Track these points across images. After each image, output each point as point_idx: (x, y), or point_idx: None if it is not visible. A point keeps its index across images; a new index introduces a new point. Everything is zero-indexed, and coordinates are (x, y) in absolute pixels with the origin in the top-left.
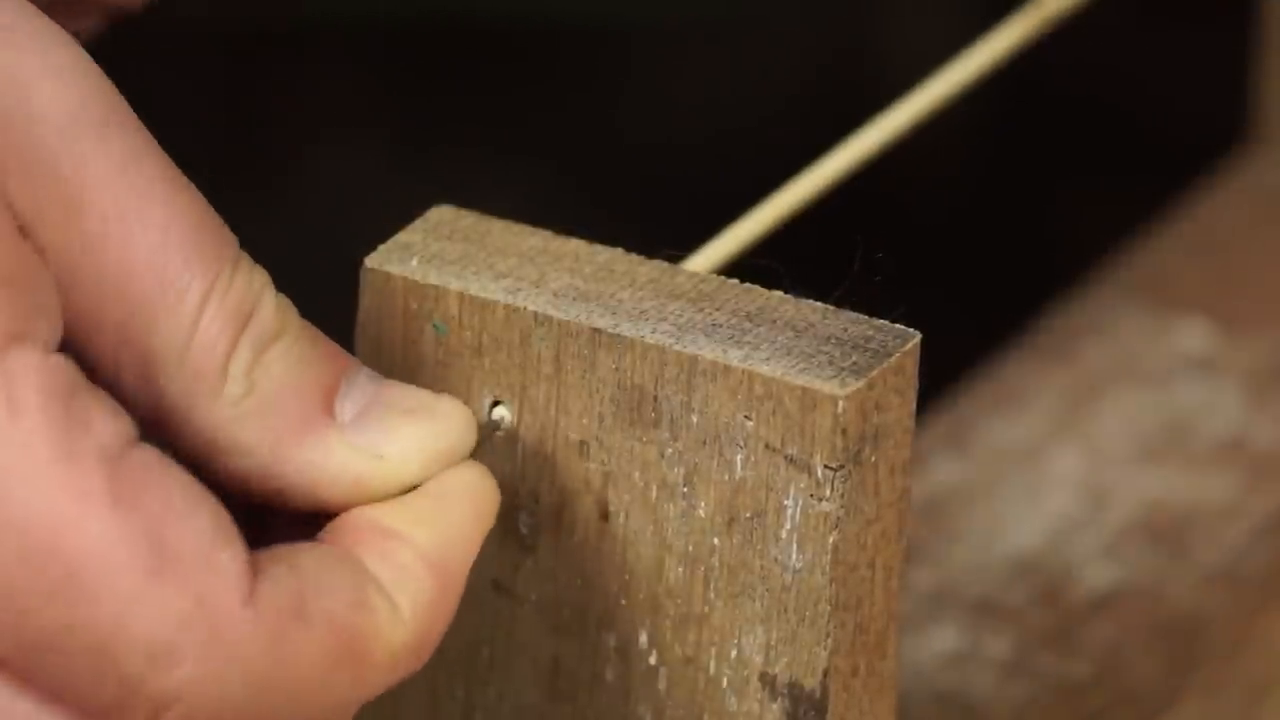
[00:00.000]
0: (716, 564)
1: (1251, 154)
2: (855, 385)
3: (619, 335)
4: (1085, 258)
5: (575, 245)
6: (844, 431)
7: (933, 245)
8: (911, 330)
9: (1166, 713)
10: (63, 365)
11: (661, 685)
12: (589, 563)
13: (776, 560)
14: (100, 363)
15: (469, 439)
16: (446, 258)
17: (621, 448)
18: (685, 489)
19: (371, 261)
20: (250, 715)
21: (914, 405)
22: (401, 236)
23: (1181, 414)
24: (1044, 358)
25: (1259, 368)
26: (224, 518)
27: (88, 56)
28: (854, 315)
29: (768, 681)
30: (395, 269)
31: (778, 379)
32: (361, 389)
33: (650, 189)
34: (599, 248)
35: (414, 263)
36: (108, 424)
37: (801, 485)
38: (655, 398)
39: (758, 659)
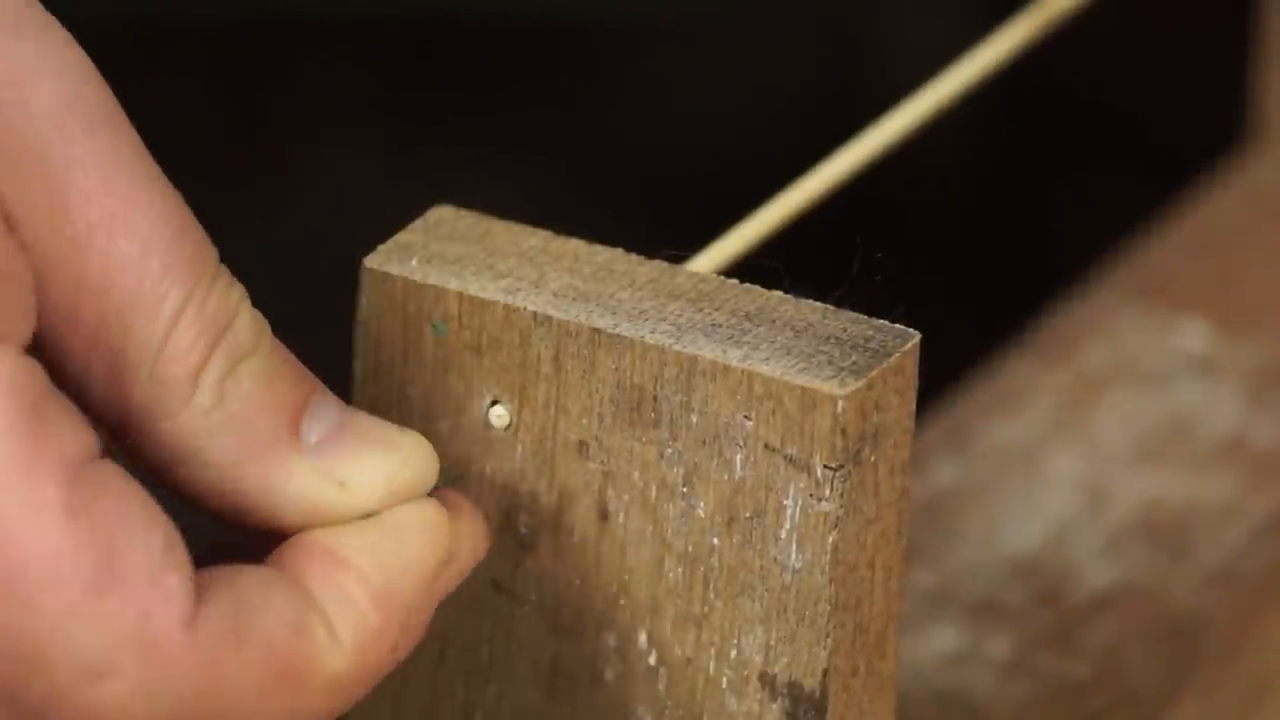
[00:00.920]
0: (716, 564)
1: (1251, 154)
2: (855, 385)
3: (618, 335)
4: (1085, 258)
5: (575, 245)
6: (843, 431)
7: (933, 245)
8: (911, 330)
9: (1166, 713)
10: (34, 371)
11: (661, 685)
12: (589, 563)
13: (776, 560)
14: (69, 363)
15: (430, 475)
16: (446, 258)
17: (621, 448)
18: (685, 489)
19: (371, 261)
20: None
21: (914, 405)
22: (401, 236)
23: (1181, 414)
24: (1044, 358)
25: (1259, 368)
26: (176, 539)
27: (83, 53)
28: (854, 315)
29: (767, 681)
30: (395, 269)
31: (777, 379)
32: (328, 414)
33: (650, 189)
34: (598, 248)
35: (413, 263)
36: (72, 435)
37: (801, 485)
38: (655, 398)
39: (757, 659)
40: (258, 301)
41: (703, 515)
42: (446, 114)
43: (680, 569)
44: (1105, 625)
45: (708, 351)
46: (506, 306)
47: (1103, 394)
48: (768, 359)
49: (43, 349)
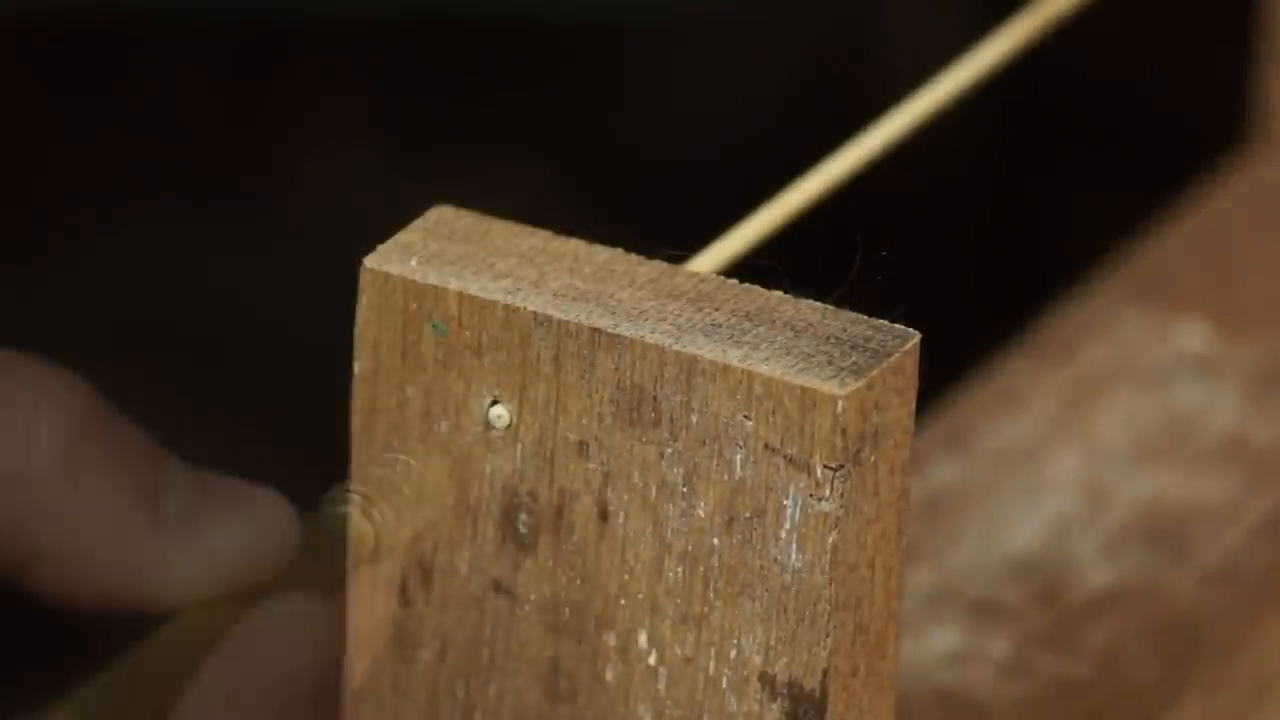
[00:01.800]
0: (716, 564)
1: (1251, 154)
2: (855, 385)
3: (618, 335)
4: (1085, 258)
5: (575, 245)
6: (843, 431)
7: (934, 245)
8: (911, 330)
9: (1166, 712)
10: None
11: (661, 685)
12: (589, 563)
13: (776, 560)
14: None
15: (294, 534)
16: (446, 258)
17: (621, 448)
18: (685, 489)
19: (371, 261)
20: None
21: (914, 405)
22: (401, 236)
23: (1181, 414)
24: (1044, 358)
25: (1259, 368)
26: None
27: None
28: (854, 315)
29: (767, 681)
30: (395, 269)
31: (777, 379)
32: (183, 482)
33: (650, 189)
34: (598, 248)
35: (413, 263)
36: None
37: (801, 485)
38: (655, 398)
39: (757, 659)
40: (259, 301)
41: (703, 515)
42: (447, 114)
43: (680, 569)
44: (1105, 625)
45: (707, 351)
46: (506, 306)
47: (1103, 394)
48: (768, 359)
49: None
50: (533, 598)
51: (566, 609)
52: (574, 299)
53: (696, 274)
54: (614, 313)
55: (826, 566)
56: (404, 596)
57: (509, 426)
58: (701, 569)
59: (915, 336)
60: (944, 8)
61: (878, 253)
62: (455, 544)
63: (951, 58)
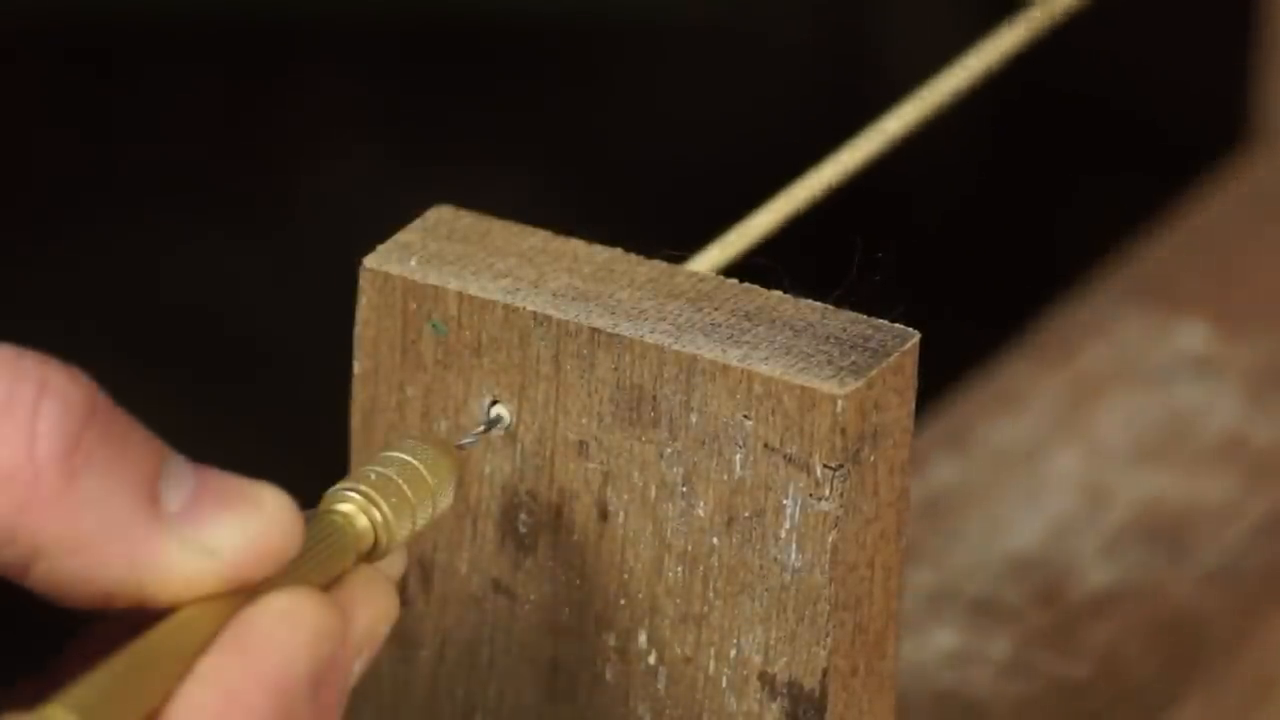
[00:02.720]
0: (716, 564)
1: (1251, 154)
2: (854, 385)
3: (618, 335)
4: (1085, 258)
5: (574, 245)
6: (843, 431)
7: (933, 245)
8: (911, 330)
9: (1166, 712)
10: None
11: (661, 685)
12: (588, 562)
13: (776, 560)
14: None
15: (297, 531)
16: (445, 258)
17: (621, 447)
18: (684, 489)
19: (371, 261)
20: None
21: (913, 405)
22: (401, 236)
23: (1181, 414)
24: (1044, 358)
25: (1259, 368)
26: None
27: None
28: (853, 315)
29: (767, 681)
30: (395, 269)
31: (777, 378)
32: (183, 477)
33: (650, 188)
34: (598, 248)
35: (413, 263)
36: None
37: (801, 485)
38: (654, 397)
39: (757, 658)
40: (260, 301)
41: (702, 515)
42: (446, 115)
43: (680, 569)
44: (1105, 624)
45: (707, 351)
46: (506, 306)
47: (1103, 394)
48: (767, 358)
49: None
50: (533, 597)
51: (566, 609)
52: (573, 299)
53: (696, 274)
54: (613, 312)
55: (826, 566)
56: (404, 596)
57: (509, 426)
58: (701, 569)
59: (915, 336)
60: (943, 7)
61: (877, 253)
62: (455, 543)
63: (950, 57)
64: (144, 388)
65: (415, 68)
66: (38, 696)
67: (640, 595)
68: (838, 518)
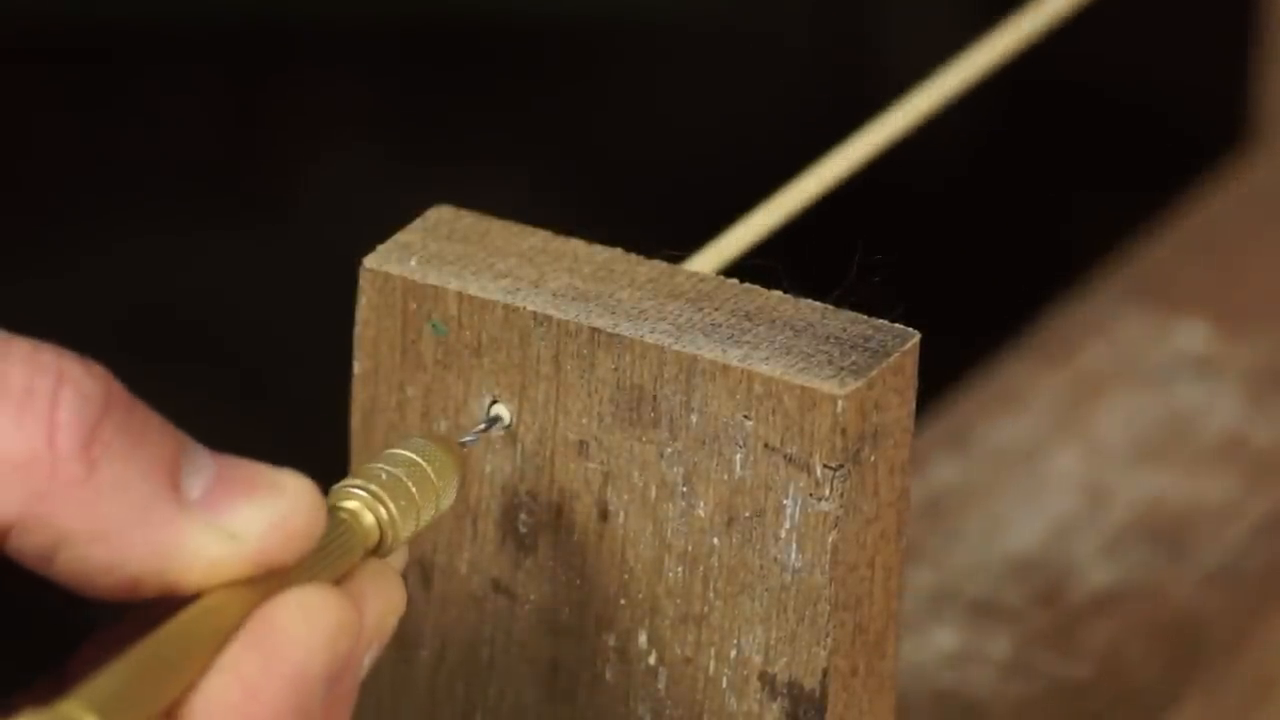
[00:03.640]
0: (716, 564)
1: (1251, 154)
2: (854, 385)
3: (618, 335)
4: (1085, 258)
5: (574, 245)
6: (843, 431)
7: (933, 244)
8: (911, 330)
9: (1166, 713)
10: None
11: (661, 685)
12: (589, 563)
13: (776, 560)
14: None
15: (320, 515)
16: (445, 258)
17: (621, 447)
18: (684, 489)
19: (371, 261)
20: None
21: (913, 405)
22: (401, 236)
23: (1181, 414)
24: (1044, 358)
25: (1259, 368)
26: None
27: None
28: (853, 315)
29: (767, 681)
30: (395, 269)
31: (777, 378)
32: (203, 464)
33: (650, 188)
34: (598, 247)
35: (413, 263)
36: None
37: (801, 485)
38: (654, 397)
39: (757, 659)
40: (261, 302)
41: (702, 515)
42: (447, 115)
43: (680, 569)
44: (1105, 625)
45: (707, 351)
46: (506, 306)
47: (1103, 394)
48: (767, 358)
49: None
50: (533, 597)
51: (566, 609)
52: (574, 299)
53: (695, 274)
54: (614, 312)
55: (826, 566)
56: None
57: (509, 426)
58: (701, 569)
59: (915, 336)
60: (943, 7)
61: (877, 253)
62: (455, 543)
63: (949, 57)
64: (144, 387)
65: (415, 68)
66: (55, 695)
67: (640, 595)
68: (838, 518)
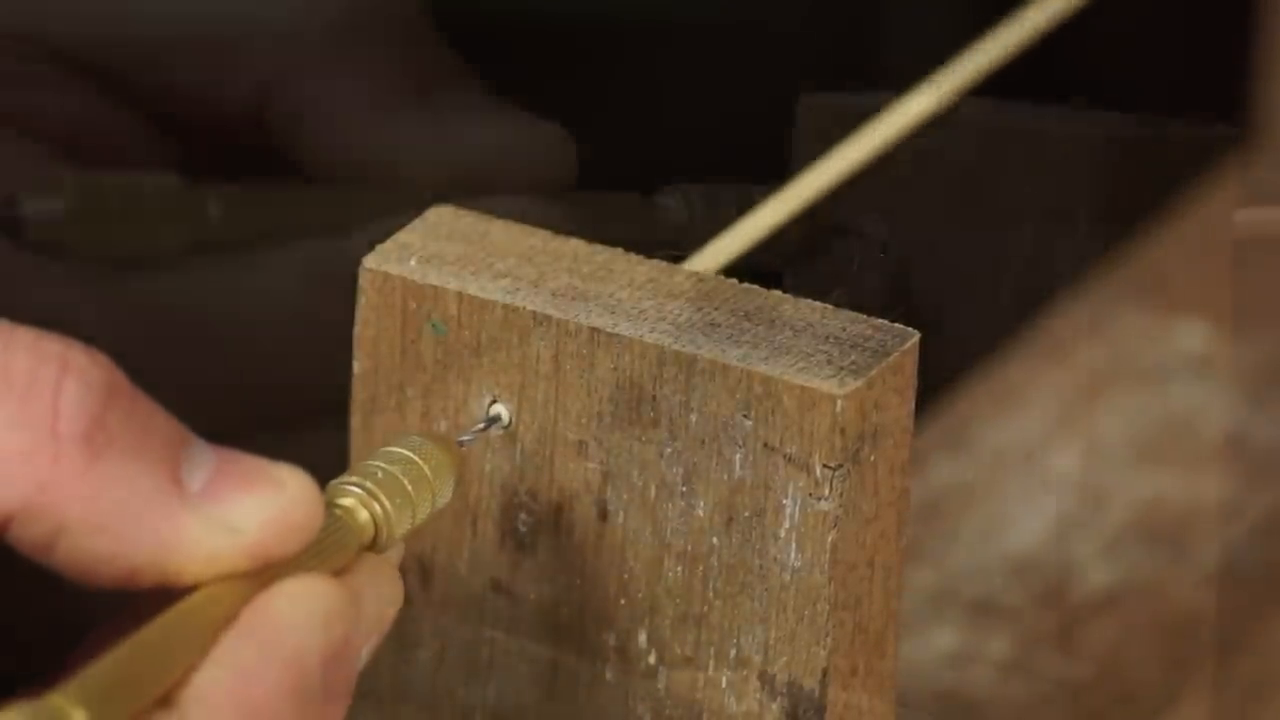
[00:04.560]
0: (715, 563)
1: (1251, 154)
2: (854, 384)
3: (617, 334)
4: (1084, 256)
5: (574, 245)
6: (843, 431)
7: (932, 244)
8: (911, 330)
9: (1166, 713)
10: None
11: (660, 685)
12: (588, 562)
13: (775, 559)
14: None
15: (318, 510)
16: (445, 257)
17: (620, 447)
18: (684, 488)
19: (371, 261)
20: None
21: (913, 405)
22: (401, 236)
23: (1181, 414)
24: (1044, 358)
25: (1259, 368)
26: None
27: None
28: (853, 314)
29: (767, 681)
30: (394, 269)
31: (776, 378)
32: (204, 457)
33: (649, 189)
34: (598, 247)
35: (413, 263)
36: None
37: (800, 484)
38: (654, 397)
39: (757, 658)
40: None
41: (702, 515)
42: None
43: (680, 568)
44: (1105, 625)
45: (707, 350)
46: (505, 306)
47: (1103, 394)
48: (767, 358)
49: None
50: (532, 597)
51: (566, 609)
52: (573, 298)
53: (695, 273)
54: (613, 312)
55: (826, 566)
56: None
57: (509, 426)
58: (701, 568)
59: (915, 336)
60: (943, 7)
61: (878, 251)
62: (455, 543)
63: (949, 57)
64: (141, 385)
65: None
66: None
67: (640, 595)
68: (837, 517)
